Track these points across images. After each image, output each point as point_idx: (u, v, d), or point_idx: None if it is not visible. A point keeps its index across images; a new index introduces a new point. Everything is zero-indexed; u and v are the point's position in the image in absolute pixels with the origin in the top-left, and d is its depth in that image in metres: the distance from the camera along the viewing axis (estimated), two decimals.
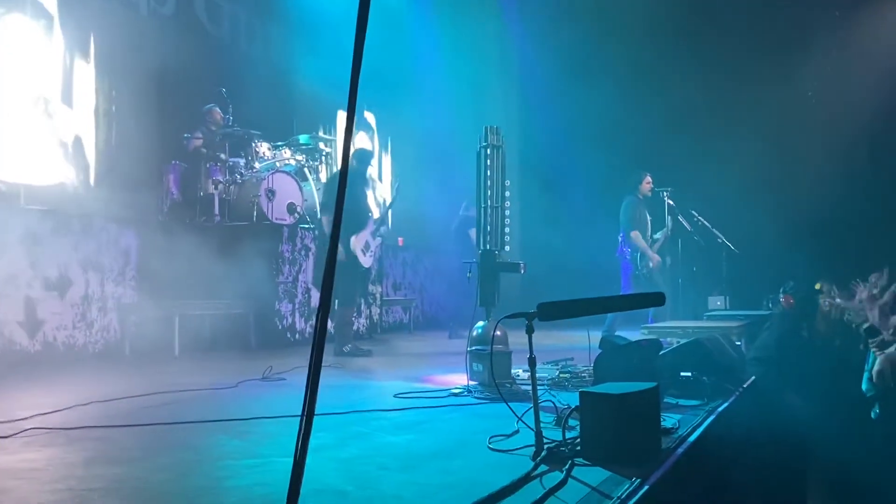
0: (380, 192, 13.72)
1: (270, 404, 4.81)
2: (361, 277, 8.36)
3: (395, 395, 5.17)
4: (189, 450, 3.65)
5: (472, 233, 11.12)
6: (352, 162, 8.46)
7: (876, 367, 6.39)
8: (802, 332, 7.23)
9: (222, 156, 9.31)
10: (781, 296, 8.13)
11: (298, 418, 1.86)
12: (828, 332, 7.39)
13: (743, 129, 12.66)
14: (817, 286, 7.97)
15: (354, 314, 9.35)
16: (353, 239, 8.01)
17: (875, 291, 7.08)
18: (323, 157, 10.64)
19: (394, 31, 11.44)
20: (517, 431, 3.75)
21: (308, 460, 1.88)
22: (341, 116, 12.59)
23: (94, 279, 7.82)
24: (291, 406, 4.41)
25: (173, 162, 9.31)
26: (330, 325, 7.89)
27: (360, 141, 12.94)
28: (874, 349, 6.59)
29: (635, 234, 9.49)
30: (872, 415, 6.35)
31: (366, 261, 8.21)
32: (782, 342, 6.84)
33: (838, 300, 7.56)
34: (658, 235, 9.76)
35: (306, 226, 9.57)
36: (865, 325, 7.12)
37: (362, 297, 10.08)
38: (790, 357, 6.57)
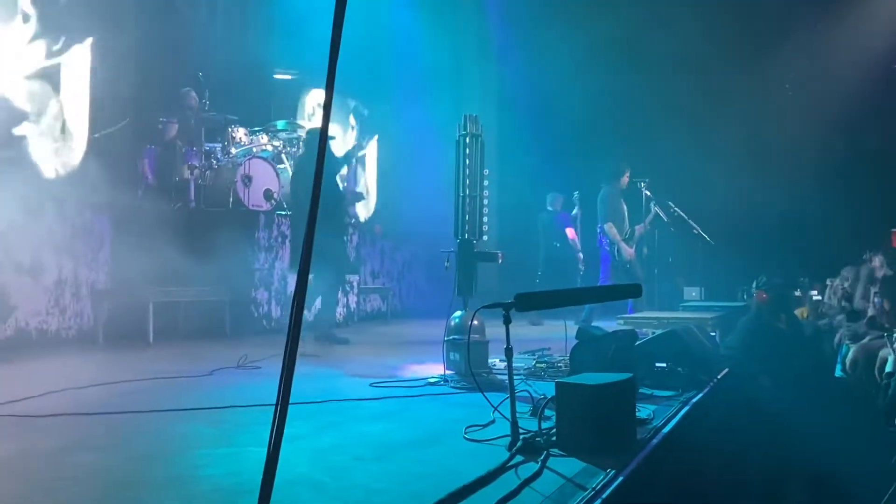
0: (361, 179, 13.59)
1: (245, 393, 4.78)
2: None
3: (371, 385, 5.16)
4: (162, 438, 3.62)
5: (570, 231, 11.00)
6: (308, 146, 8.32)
7: (849, 357, 6.48)
8: (779, 325, 7.29)
9: (195, 144, 9.22)
10: (754, 291, 8.19)
11: (273, 407, 1.84)
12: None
13: (720, 121, 12.73)
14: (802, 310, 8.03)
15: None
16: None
17: (846, 285, 7.17)
18: (301, 143, 10.54)
19: (371, 19, 11.33)
20: (493, 421, 3.76)
21: (282, 450, 1.86)
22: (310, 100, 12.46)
23: (67, 265, 7.70)
24: (266, 395, 4.36)
25: (148, 146, 9.19)
26: (306, 312, 7.84)
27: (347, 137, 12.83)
28: (847, 341, 6.69)
29: (609, 226, 9.52)
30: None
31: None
32: (758, 336, 6.90)
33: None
34: (636, 227, 9.82)
35: (283, 212, 9.50)
36: (838, 318, 7.22)
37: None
38: (766, 350, 6.63)
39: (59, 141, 8.02)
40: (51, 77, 7.90)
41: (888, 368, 5.95)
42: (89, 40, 8.30)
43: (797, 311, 8.44)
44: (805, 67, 12.82)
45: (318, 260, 7.51)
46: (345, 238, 8.80)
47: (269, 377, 5.48)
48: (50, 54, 7.92)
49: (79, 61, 8.21)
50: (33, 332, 7.33)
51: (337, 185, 8.46)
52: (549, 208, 11.64)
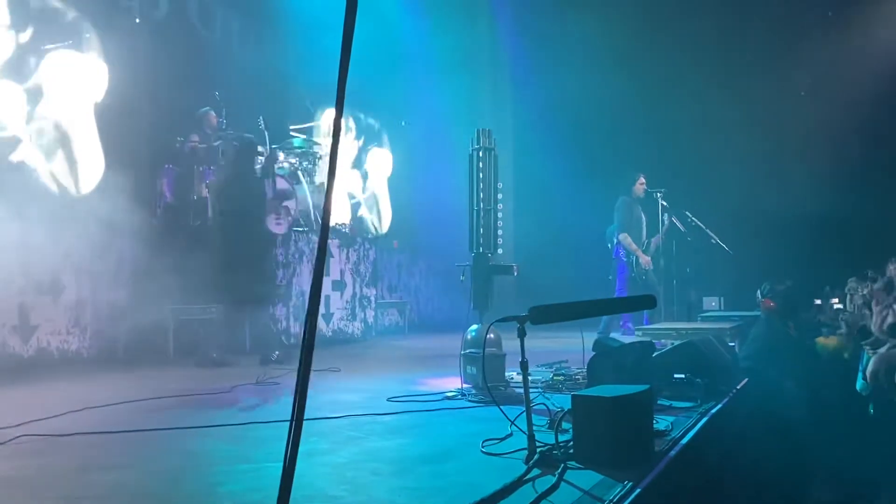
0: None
1: (264, 409, 4.81)
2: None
3: (388, 399, 5.16)
4: (182, 455, 3.65)
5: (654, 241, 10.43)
6: (234, 156, 8.10)
7: (870, 368, 6.41)
8: (790, 332, 7.23)
9: (213, 162, 9.27)
10: (760, 300, 8.09)
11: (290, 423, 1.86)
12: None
13: (736, 129, 12.70)
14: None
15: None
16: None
17: (865, 292, 7.11)
18: (317, 160, 10.61)
19: (386, 34, 11.40)
20: (510, 435, 3.76)
21: (300, 466, 1.88)
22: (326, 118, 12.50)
23: (87, 284, 7.79)
24: (285, 410, 4.39)
25: (166, 165, 9.27)
26: (325, 327, 7.86)
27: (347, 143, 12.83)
28: (867, 349, 6.63)
29: (623, 236, 9.52)
30: (871, 409, 6.37)
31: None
32: (772, 345, 6.85)
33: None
34: (653, 239, 9.80)
35: (300, 229, 9.55)
36: (859, 326, 7.15)
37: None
38: (781, 359, 6.58)
39: (65, 160, 8.03)
40: (37, 90, 7.82)
41: None
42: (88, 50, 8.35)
43: (830, 342, 8.17)
44: (821, 74, 12.76)
45: (231, 270, 7.21)
46: (271, 251, 8.32)
47: (288, 393, 5.49)
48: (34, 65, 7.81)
49: (74, 73, 8.13)
50: (54, 351, 7.42)
51: (264, 194, 8.15)
52: None
